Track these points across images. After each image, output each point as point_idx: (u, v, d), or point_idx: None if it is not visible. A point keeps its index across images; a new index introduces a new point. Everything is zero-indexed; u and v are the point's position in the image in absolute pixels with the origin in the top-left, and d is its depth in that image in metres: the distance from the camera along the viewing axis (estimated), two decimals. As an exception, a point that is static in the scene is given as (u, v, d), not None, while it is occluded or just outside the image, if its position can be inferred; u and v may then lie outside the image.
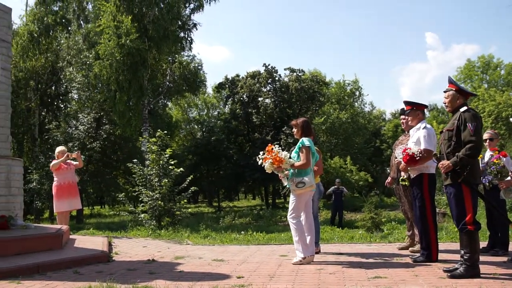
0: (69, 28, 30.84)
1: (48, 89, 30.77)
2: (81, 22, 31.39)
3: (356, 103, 47.51)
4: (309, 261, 6.17)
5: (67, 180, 9.86)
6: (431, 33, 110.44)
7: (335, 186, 19.61)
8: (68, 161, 9.97)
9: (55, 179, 9.91)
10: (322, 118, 39.14)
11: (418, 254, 6.40)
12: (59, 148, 10.21)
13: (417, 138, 6.22)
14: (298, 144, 6.35)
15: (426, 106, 6.65)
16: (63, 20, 30.43)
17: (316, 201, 7.13)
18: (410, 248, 7.22)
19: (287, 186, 6.33)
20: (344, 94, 45.85)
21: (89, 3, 31.10)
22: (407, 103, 6.59)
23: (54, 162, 9.87)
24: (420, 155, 5.95)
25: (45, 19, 28.93)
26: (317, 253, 6.87)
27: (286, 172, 6.24)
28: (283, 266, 6.05)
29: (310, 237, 6.31)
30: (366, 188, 38.77)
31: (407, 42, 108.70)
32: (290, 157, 6.21)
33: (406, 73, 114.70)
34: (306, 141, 6.27)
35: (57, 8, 30.60)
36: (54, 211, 10.07)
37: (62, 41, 30.61)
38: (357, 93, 47.51)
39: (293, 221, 6.28)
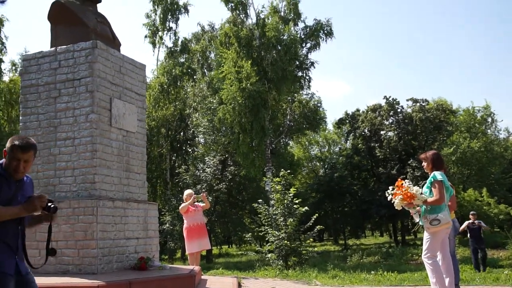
0: (194, 77, 32.77)
1: (177, 135, 32.40)
2: (205, 70, 33.26)
3: (489, 130, 44.39)
4: (449, 305, 5.71)
5: (196, 221, 10.13)
6: None
7: (471, 221, 17.86)
8: (196, 203, 10.25)
9: (185, 221, 10.23)
10: (451, 148, 37.06)
11: None
12: (187, 192, 10.53)
13: None
14: (429, 179, 5.97)
15: None
16: (189, 70, 32.34)
17: (453, 239, 6.64)
18: None
19: (420, 223, 5.95)
20: (474, 121, 43.13)
21: (212, 52, 32.89)
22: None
23: (182, 205, 10.23)
24: None
25: (173, 71, 30.91)
26: (457, 295, 6.36)
27: (418, 208, 5.88)
28: (420, 310, 5.66)
29: (449, 279, 5.83)
30: (508, 222, 35.69)
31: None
32: (421, 193, 5.85)
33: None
34: (438, 175, 5.88)
35: (183, 60, 32.66)
36: (186, 252, 10.36)
37: (189, 90, 32.52)
38: (489, 119, 44.50)
39: (428, 261, 5.86)
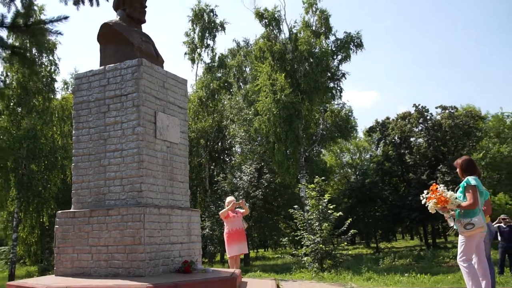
0: (231, 90, 33.04)
1: (215, 146, 32.62)
2: (241, 84, 33.51)
3: (518, 135, 43.27)
4: (486, 307, 5.54)
5: (236, 227, 10.17)
6: None
7: (501, 223, 17.21)
8: (236, 209, 10.30)
9: (225, 226, 10.29)
10: (481, 154, 36.18)
11: None
12: (228, 198, 10.59)
13: None
14: (462, 183, 5.83)
15: None
16: (226, 84, 32.68)
17: (488, 243, 6.45)
18: None
19: (454, 227, 5.81)
20: (503, 126, 42.04)
21: (247, 66, 33.14)
22: None
23: (222, 210, 10.30)
24: None
25: (211, 85, 31.25)
26: (493, 298, 6.16)
27: (452, 212, 5.74)
28: (457, 312, 5.50)
29: (486, 282, 5.65)
30: (539, 225, 34.57)
31: None
32: (455, 197, 5.71)
33: None
34: (471, 179, 5.74)
35: (220, 74, 33.02)
36: (227, 256, 10.40)
37: (226, 102, 32.76)
38: (519, 124, 43.33)
39: (464, 265, 5.71)
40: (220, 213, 10.37)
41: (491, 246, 7.71)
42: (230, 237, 10.11)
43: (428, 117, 38.58)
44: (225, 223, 10.29)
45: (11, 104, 24.49)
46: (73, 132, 8.20)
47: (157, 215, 7.47)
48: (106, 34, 8.22)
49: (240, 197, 25.48)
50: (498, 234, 16.00)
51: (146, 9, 8.58)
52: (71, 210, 7.92)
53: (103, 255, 7.33)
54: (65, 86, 33.40)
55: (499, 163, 37.48)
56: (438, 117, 38.11)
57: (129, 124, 7.64)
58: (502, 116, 42.66)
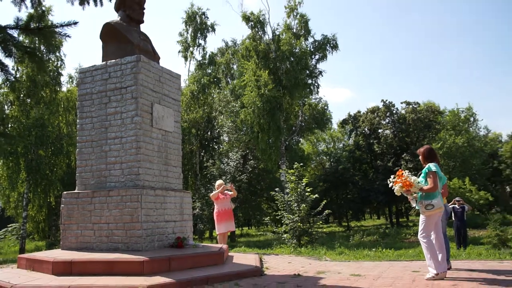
0: (220, 85, 32.84)
1: (205, 134, 32.51)
2: (228, 79, 33.33)
3: (471, 128, 43.82)
4: (442, 277, 5.62)
5: (224, 207, 10.18)
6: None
7: (455, 205, 17.39)
8: (225, 191, 10.30)
9: (215, 207, 10.28)
10: (439, 144, 36.66)
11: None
12: (218, 182, 10.57)
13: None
14: (424, 169, 5.89)
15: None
16: (215, 79, 32.48)
17: (445, 221, 6.54)
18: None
19: (416, 208, 5.88)
20: (458, 120, 42.57)
21: (234, 64, 32.93)
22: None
23: (213, 192, 10.28)
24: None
25: (202, 80, 31.03)
26: (448, 269, 6.25)
27: (415, 195, 5.81)
28: (417, 281, 5.58)
29: (442, 255, 5.76)
30: (487, 206, 35.21)
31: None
32: (418, 182, 5.78)
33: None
34: (432, 166, 5.81)
35: (210, 71, 32.79)
36: (216, 233, 10.39)
37: (215, 96, 32.58)
38: (472, 119, 43.89)
39: (424, 240, 5.80)
40: (211, 195, 10.36)
41: (447, 225, 7.83)
42: (219, 216, 10.11)
43: (394, 111, 38.91)
44: (215, 204, 10.28)
45: (21, 95, 24.31)
46: (78, 121, 8.09)
47: (153, 196, 7.44)
48: (108, 32, 8.10)
49: (228, 181, 25.48)
50: (452, 214, 16.27)
51: (144, 10, 8.46)
52: (76, 191, 7.84)
53: (104, 231, 7.29)
54: (70, 80, 32.86)
55: (454, 152, 38.05)
56: (403, 112, 38.51)
57: (128, 114, 7.56)
58: (457, 111, 43.20)
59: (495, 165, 43.16)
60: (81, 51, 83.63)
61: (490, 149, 45.28)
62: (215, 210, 10.21)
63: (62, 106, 26.01)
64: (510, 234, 15.78)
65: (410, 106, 38.33)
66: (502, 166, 43.26)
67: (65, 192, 7.92)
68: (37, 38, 18.72)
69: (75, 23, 4.84)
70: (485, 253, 9.31)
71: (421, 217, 5.86)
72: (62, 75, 26.37)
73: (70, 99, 26.27)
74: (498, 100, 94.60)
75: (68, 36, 4.97)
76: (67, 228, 7.65)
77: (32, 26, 4.82)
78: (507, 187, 46.09)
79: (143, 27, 8.63)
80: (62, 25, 4.83)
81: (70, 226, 7.62)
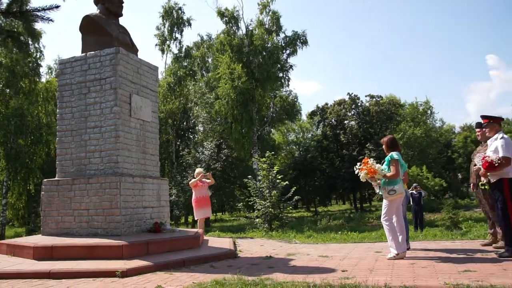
0: (195, 77, 32.52)
1: (181, 125, 32.24)
2: (204, 72, 33.00)
3: (428, 120, 44.75)
4: (402, 257, 5.78)
5: (203, 194, 10.08)
6: (492, 55, 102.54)
7: (413, 191, 17.77)
8: (203, 179, 10.20)
9: (193, 194, 10.17)
10: (400, 135, 37.41)
11: (502, 250, 5.72)
12: (197, 170, 10.45)
13: (495, 147, 5.65)
14: (387, 158, 6.00)
15: (502, 119, 6.04)
16: (191, 72, 32.15)
17: (405, 205, 6.68)
18: (494, 245, 6.50)
19: (380, 193, 6.00)
20: (417, 113, 43.44)
21: (209, 57, 32.64)
22: (484, 117, 6.00)
23: (192, 180, 10.17)
24: (499, 162, 5.41)
25: (178, 72, 30.70)
26: (407, 249, 6.42)
27: (379, 181, 5.92)
28: (379, 261, 5.71)
29: (402, 236, 5.90)
30: (441, 192, 36.29)
31: (470, 64, 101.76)
32: (382, 169, 5.89)
33: (471, 91, 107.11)
34: (395, 155, 5.92)
35: (186, 63, 32.43)
36: (195, 218, 10.30)
37: (190, 88, 32.25)
38: (429, 111, 44.88)
39: (386, 223, 5.93)
40: (190, 182, 10.25)
41: (406, 209, 8.07)
42: (198, 202, 10.02)
43: (359, 104, 39.46)
44: (193, 191, 10.15)
45: (0, 85, 23.51)
46: (57, 111, 7.88)
47: (131, 183, 7.35)
48: (88, 25, 7.88)
49: (202, 167, 25.35)
50: (410, 199, 16.59)
51: (123, 4, 8.26)
52: (56, 178, 7.66)
53: (84, 217, 7.17)
54: (49, 71, 31.98)
55: (413, 142, 38.88)
56: (367, 104, 39.06)
57: (107, 104, 7.42)
58: (416, 105, 44.06)
59: (449, 154, 44.42)
60: (60, 43, 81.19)
61: (445, 140, 46.52)
62: (194, 197, 10.12)
63: (41, 96, 25.32)
64: (461, 216, 16.36)
65: (374, 99, 38.95)
66: (455, 155, 44.64)
67: (45, 180, 7.73)
68: (19, 24, 18.06)
69: (57, 6, 4.67)
70: (439, 234, 9.58)
71: (384, 202, 5.99)
72: (42, 66, 25.70)
73: (50, 90, 25.59)
74: (452, 96, 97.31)
75: (51, 20, 4.79)
76: (47, 214, 7.48)
77: (14, 9, 4.63)
78: (459, 174, 47.57)
79: (121, 20, 8.44)
80: (44, 9, 4.66)
81: (51, 212, 7.45)
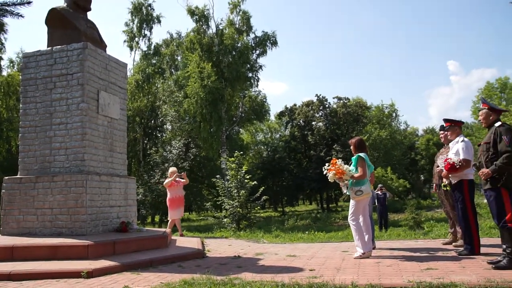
0: (164, 75, 32.10)
1: (149, 123, 31.79)
2: (173, 70, 32.63)
3: (393, 123, 46.05)
4: (368, 256, 5.91)
5: (178, 194, 9.94)
6: (452, 61, 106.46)
7: (378, 191, 18.15)
8: (178, 179, 10.05)
9: (168, 193, 9.97)
10: (366, 136, 38.22)
11: (462, 249, 5.95)
12: (171, 169, 10.24)
13: (456, 149, 5.86)
14: (354, 158, 6.11)
15: (463, 123, 6.26)
16: (159, 70, 31.71)
17: (371, 205, 6.83)
18: (454, 243, 6.75)
19: (347, 193, 6.11)
20: (383, 115, 44.54)
21: (179, 55, 32.31)
22: (446, 120, 6.22)
23: (167, 180, 9.97)
24: (460, 164, 5.63)
25: (147, 70, 30.23)
26: (373, 249, 6.57)
27: (346, 182, 6.02)
28: (346, 260, 5.82)
29: (368, 236, 6.03)
30: (405, 192, 37.30)
31: (432, 69, 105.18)
32: (350, 170, 5.99)
33: (433, 96, 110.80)
34: (362, 155, 6.04)
35: (155, 61, 31.98)
36: (169, 218, 10.14)
37: (159, 86, 31.84)
38: (394, 114, 46.11)
39: (353, 223, 6.04)
40: (164, 183, 10.06)
41: (372, 209, 8.28)
42: (173, 202, 9.86)
43: (327, 106, 39.95)
44: (168, 191, 9.98)
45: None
46: (21, 106, 7.63)
47: (98, 181, 7.20)
48: (54, 18, 7.65)
49: (170, 164, 25.04)
50: (376, 200, 16.91)
51: (91, -2, 8.07)
52: (18, 176, 7.41)
53: (48, 216, 6.96)
54: (11, 64, 30.81)
55: (379, 144, 39.84)
56: (335, 106, 39.61)
57: (74, 101, 7.24)
58: (382, 107, 45.19)
59: (412, 156, 45.72)
60: (23, 35, 78.37)
61: (409, 142, 47.87)
62: (168, 197, 9.92)
63: (2, 90, 24.29)
64: (423, 217, 16.86)
65: (341, 101, 39.54)
66: (418, 157, 46.09)
67: (6, 177, 7.45)
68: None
69: (29, 2, 4.50)
70: (403, 234, 9.86)
71: (351, 202, 6.10)
72: (3, 59, 24.67)
73: (11, 84, 24.58)
74: (416, 100, 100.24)
75: (21, 16, 4.61)
76: (8, 213, 7.21)
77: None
78: (422, 176, 49.04)
79: (90, 15, 8.24)
80: (14, 4, 4.48)
81: (12, 211, 7.19)
